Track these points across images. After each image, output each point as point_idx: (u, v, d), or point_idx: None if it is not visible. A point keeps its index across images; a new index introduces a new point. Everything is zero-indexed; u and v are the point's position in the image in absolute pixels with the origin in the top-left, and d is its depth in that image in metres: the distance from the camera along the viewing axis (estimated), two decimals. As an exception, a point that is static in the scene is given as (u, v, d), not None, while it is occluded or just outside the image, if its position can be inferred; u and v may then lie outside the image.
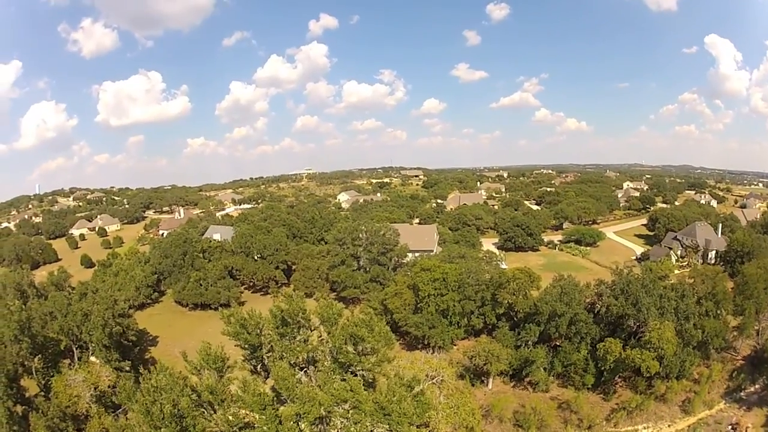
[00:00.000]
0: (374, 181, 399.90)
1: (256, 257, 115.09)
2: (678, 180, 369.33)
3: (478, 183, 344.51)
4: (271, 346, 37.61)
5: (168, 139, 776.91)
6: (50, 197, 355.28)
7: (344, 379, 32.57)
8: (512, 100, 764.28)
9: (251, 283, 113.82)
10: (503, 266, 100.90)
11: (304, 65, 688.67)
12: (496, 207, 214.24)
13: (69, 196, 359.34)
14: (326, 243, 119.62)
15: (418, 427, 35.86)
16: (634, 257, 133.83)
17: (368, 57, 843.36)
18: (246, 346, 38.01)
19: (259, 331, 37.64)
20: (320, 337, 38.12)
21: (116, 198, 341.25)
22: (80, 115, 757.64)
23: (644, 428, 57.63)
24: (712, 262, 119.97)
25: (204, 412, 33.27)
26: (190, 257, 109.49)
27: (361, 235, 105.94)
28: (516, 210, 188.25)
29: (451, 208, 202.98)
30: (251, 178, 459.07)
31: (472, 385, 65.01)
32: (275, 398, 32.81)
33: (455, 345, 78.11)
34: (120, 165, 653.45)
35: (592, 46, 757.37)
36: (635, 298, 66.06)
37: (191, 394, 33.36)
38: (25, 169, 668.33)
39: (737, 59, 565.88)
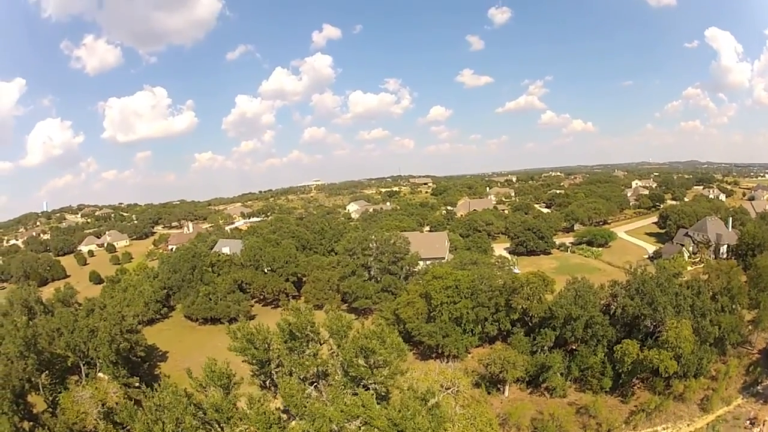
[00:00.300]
0: (383, 190, 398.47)
1: (265, 270, 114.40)
2: (686, 176, 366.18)
3: (488, 188, 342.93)
4: (280, 360, 36.62)
5: (175, 154, 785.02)
6: (58, 214, 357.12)
7: (356, 394, 31.58)
8: (518, 103, 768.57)
9: (261, 296, 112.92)
10: (516, 271, 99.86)
11: (309, 76, 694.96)
12: (506, 211, 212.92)
13: (77, 213, 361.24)
14: (336, 254, 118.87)
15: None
16: (647, 256, 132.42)
17: (373, 66, 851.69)
18: (254, 361, 37.10)
19: (267, 345, 36.71)
20: (331, 350, 37.06)
21: (125, 214, 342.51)
22: (86, 131, 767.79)
23: (663, 429, 56.77)
24: (724, 256, 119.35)
25: (211, 431, 32.25)
26: (199, 271, 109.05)
27: (371, 245, 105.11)
28: (526, 214, 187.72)
29: (462, 215, 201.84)
30: (260, 191, 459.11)
31: (488, 393, 64.10)
32: (284, 415, 31.75)
33: (470, 353, 76.88)
34: (128, 181, 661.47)
35: (594, 45, 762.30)
36: (651, 297, 65.26)
37: (196, 412, 32.39)
38: (32, 186, 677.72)
39: (738, 51, 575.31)
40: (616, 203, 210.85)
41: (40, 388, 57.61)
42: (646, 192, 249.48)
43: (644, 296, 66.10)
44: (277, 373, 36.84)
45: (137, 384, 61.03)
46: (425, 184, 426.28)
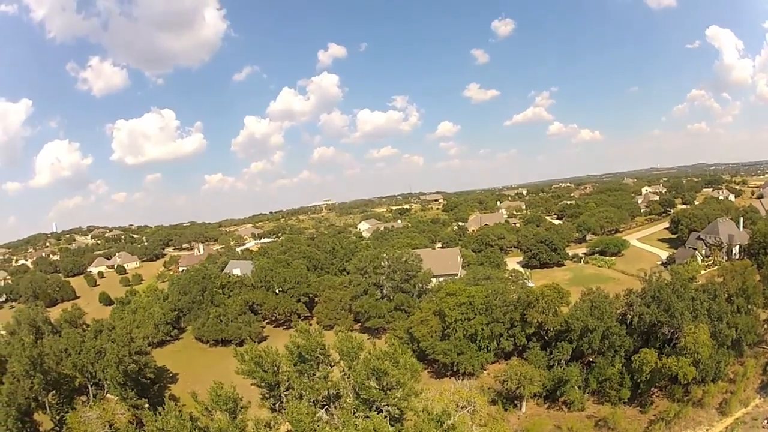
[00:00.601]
0: (394, 208, 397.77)
1: (276, 291, 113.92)
2: (695, 179, 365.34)
3: (498, 202, 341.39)
4: (290, 383, 35.76)
5: (185, 176, 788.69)
6: (68, 235, 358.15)
7: (368, 417, 30.58)
8: (525, 116, 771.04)
9: (273, 318, 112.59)
10: (530, 284, 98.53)
11: (316, 96, 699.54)
12: (517, 225, 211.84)
13: (87, 235, 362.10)
14: (348, 273, 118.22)
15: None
16: (660, 262, 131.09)
17: (380, 84, 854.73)
18: (263, 384, 36.39)
19: (275, 368, 35.93)
20: (342, 372, 36.08)
21: (135, 236, 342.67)
22: (95, 153, 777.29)
23: (683, 436, 56.07)
24: (737, 256, 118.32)
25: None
26: (210, 293, 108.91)
27: (382, 263, 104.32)
28: (538, 226, 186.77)
29: (473, 230, 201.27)
30: (271, 212, 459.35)
31: (505, 410, 63.00)
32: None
33: (485, 369, 75.85)
34: (138, 203, 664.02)
35: (598, 52, 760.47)
36: (667, 303, 64.57)
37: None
38: (41, 207, 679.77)
39: (739, 48, 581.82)
40: (627, 211, 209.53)
41: (47, 407, 57.90)
42: (657, 198, 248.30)
43: (660, 303, 65.33)
44: (287, 396, 36.07)
45: (146, 406, 60.96)
46: (436, 200, 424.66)
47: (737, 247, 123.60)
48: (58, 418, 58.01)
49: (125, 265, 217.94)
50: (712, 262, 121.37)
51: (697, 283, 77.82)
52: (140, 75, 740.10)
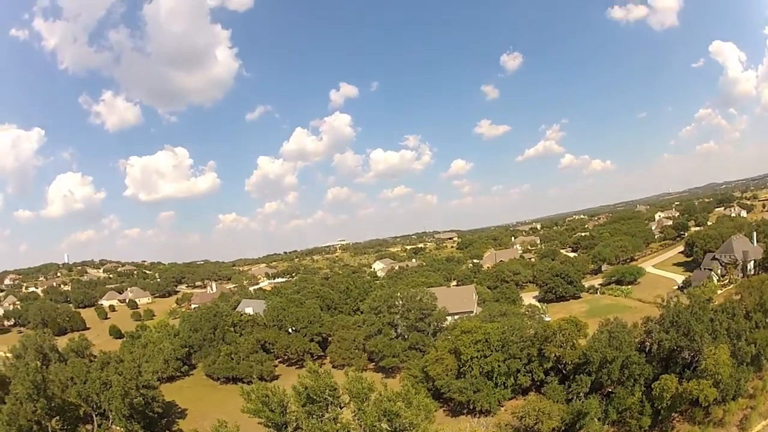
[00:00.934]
0: (408, 247, 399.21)
1: (289, 330, 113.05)
2: (706, 200, 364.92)
3: (513, 238, 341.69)
4: (298, 424, 34.65)
5: (199, 214, 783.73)
6: (80, 267, 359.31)
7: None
8: (537, 150, 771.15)
9: (285, 357, 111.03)
10: (546, 319, 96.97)
11: (329, 136, 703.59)
12: (533, 259, 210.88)
13: (99, 268, 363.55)
14: (362, 313, 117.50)
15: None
16: (677, 286, 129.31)
17: (392, 123, 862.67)
18: (270, 424, 35.45)
19: (283, 408, 34.82)
20: (353, 413, 34.89)
21: (148, 272, 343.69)
22: (108, 188, 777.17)
23: (705, 458, 54.71)
24: (752, 272, 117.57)
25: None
26: (221, 331, 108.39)
27: (397, 302, 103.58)
28: (553, 260, 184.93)
29: (488, 267, 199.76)
30: (285, 252, 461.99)
31: (524, 446, 60.70)
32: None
33: (502, 406, 74.13)
34: (152, 239, 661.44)
35: (605, 80, 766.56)
36: (686, 327, 63.68)
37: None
38: (53, 237, 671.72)
39: (742, 60, 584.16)
40: (641, 238, 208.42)
41: (51, 433, 57.89)
42: (670, 222, 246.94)
43: (679, 328, 64.39)
44: (295, 437, 34.89)
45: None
46: (450, 238, 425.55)
47: (752, 262, 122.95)
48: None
49: (137, 300, 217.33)
50: (727, 280, 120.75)
51: (714, 303, 77.15)
52: (153, 112, 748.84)
